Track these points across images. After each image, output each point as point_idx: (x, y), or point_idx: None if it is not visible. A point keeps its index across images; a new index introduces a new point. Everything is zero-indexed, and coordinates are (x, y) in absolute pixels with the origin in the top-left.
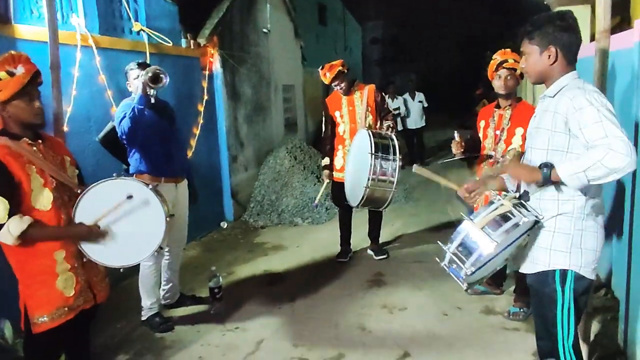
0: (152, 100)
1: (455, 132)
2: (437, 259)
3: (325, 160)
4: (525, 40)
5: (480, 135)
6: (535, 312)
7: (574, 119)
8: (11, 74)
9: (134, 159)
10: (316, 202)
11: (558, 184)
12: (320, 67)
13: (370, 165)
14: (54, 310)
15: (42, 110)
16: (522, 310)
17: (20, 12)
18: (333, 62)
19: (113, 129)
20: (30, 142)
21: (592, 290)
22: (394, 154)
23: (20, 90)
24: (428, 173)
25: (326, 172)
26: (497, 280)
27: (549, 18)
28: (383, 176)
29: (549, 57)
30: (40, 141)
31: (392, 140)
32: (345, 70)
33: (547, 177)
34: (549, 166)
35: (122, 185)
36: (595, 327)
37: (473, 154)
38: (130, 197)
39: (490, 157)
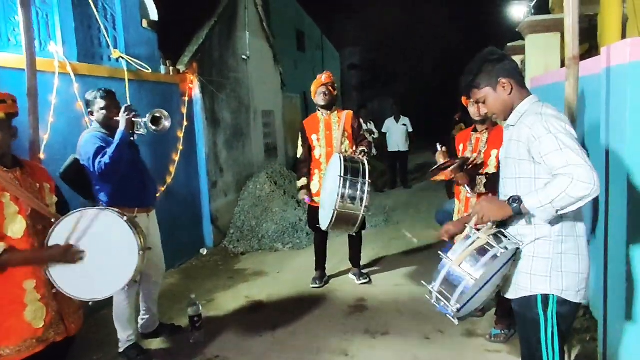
0: (135, 137)
1: (438, 144)
2: (427, 296)
3: (302, 181)
4: (473, 91)
5: None
6: (520, 335)
7: (535, 148)
8: None
9: (105, 192)
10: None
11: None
12: (320, 72)
13: (339, 188)
14: (20, 342)
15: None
16: (503, 332)
17: None
18: None
19: (74, 162)
20: (6, 169)
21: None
22: (364, 177)
23: None
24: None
25: (303, 191)
26: None
27: (481, 59)
28: (352, 199)
29: (504, 88)
30: (18, 168)
31: (364, 164)
32: (335, 89)
33: (518, 211)
34: (517, 200)
35: (97, 216)
36: (574, 347)
37: (459, 159)
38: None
39: (467, 159)
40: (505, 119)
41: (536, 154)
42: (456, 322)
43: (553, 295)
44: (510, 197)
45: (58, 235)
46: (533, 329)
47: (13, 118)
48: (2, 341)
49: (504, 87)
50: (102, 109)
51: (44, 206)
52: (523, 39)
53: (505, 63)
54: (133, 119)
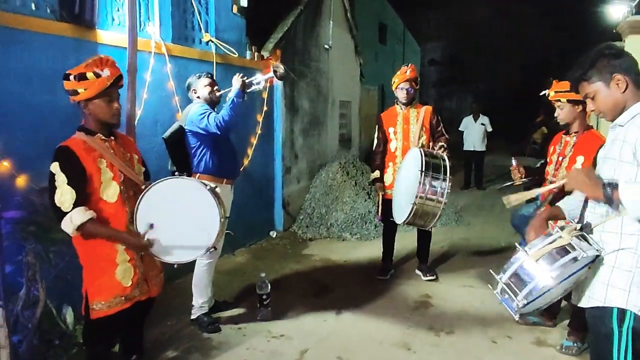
0: (246, 97)
1: (513, 158)
2: (489, 286)
3: (376, 174)
4: (582, 85)
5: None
6: (591, 348)
7: None
8: (97, 75)
9: (202, 161)
10: (379, 216)
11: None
12: (405, 64)
13: (420, 183)
14: (111, 298)
15: (120, 111)
16: (575, 344)
17: (103, 19)
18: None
19: (178, 129)
20: (103, 138)
21: None
22: (445, 173)
23: (102, 91)
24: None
25: (379, 184)
26: (550, 312)
27: (597, 52)
28: (432, 195)
29: (618, 85)
30: (112, 138)
31: (444, 160)
32: (417, 84)
33: (609, 196)
34: (612, 185)
35: (183, 185)
36: None
37: (533, 179)
38: (151, 226)
39: (545, 179)
40: (613, 120)
41: None
42: (516, 317)
43: (631, 311)
44: (607, 181)
45: (147, 203)
46: (605, 343)
47: None
48: (95, 296)
49: (618, 84)
50: (206, 85)
51: (134, 174)
52: (620, 40)
53: (623, 59)
54: (246, 81)
